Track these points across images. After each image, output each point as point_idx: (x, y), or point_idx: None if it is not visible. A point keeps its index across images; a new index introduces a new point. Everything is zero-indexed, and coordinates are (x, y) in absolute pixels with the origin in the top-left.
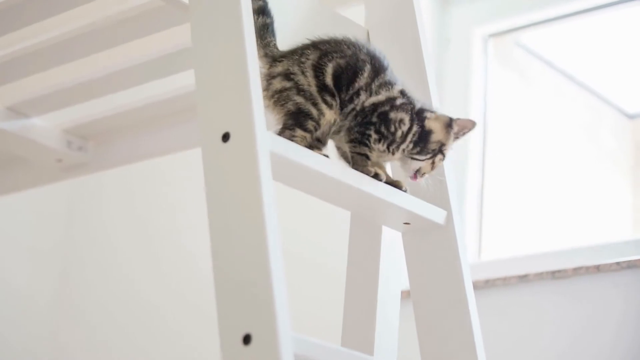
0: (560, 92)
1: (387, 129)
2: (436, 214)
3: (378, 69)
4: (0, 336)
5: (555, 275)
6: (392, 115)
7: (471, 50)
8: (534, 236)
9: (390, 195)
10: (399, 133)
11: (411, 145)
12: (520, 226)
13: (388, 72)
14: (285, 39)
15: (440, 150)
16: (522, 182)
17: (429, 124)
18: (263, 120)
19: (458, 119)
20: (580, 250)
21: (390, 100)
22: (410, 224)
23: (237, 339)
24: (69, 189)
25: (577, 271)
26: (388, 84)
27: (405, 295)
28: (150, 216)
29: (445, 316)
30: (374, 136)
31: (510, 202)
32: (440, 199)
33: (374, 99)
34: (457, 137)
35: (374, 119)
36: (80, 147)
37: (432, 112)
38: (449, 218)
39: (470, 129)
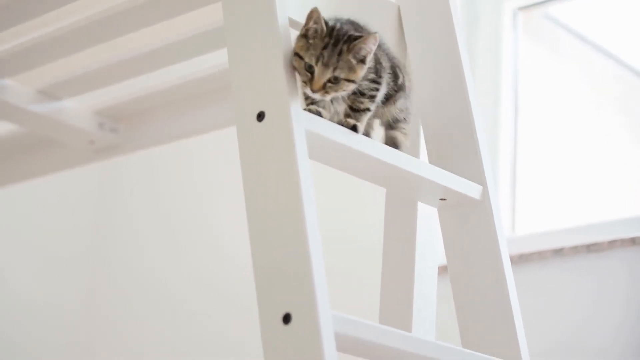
0: (591, 64)
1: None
2: (472, 189)
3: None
4: (29, 324)
5: (591, 248)
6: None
7: (501, 24)
8: (568, 209)
9: (425, 171)
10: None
11: None
12: (554, 199)
13: None
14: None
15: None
16: (554, 155)
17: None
18: (297, 99)
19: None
20: (616, 223)
21: None
22: (446, 200)
23: (277, 319)
24: (97, 176)
25: (613, 244)
26: None
27: (442, 270)
28: (180, 200)
29: (483, 291)
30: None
31: (544, 175)
32: (476, 173)
33: None
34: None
35: None
36: (113, 128)
37: None
38: (485, 193)
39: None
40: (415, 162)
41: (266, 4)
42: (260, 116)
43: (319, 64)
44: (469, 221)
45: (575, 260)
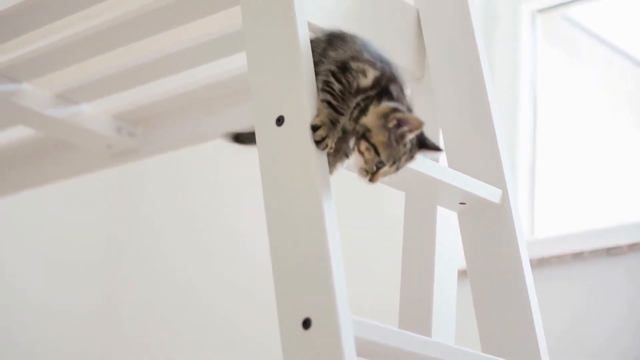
0: (609, 66)
1: (345, 77)
2: (492, 193)
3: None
4: (44, 329)
5: (610, 252)
6: (353, 64)
7: (519, 26)
8: (588, 212)
9: (445, 175)
10: (355, 84)
11: (355, 112)
12: (573, 202)
13: (357, 42)
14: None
15: (364, 135)
16: (573, 158)
17: (372, 106)
18: (315, 104)
19: (402, 114)
20: (636, 226)
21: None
22: (465, 204)
23: (296, 324)
24: (114, 178)
25: (633, 247)
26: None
27: (462, 274)
28: (198, 203)
29: (503, 295)
30: (336, 85)
31: (563, 178)
32: (495, 177)
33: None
34: (395, 136)
35: (333, 67)
36: (131, 132)
37: (396, 97)
38: (505, 197)
39: (411, 131)
40: (435, 166)
41: (285, 8)
42: (280, 120)
43: (392, 167)
44: (488, 225)
45: (596, 264)
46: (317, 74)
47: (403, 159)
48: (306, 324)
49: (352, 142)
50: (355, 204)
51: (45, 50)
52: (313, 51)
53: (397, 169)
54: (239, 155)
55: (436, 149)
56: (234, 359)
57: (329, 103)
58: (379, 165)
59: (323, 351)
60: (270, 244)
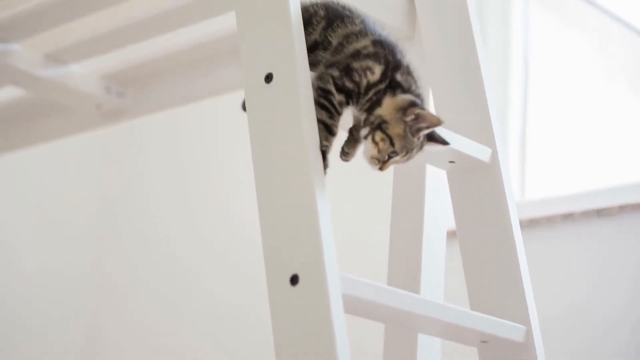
0: (602, 31)
1: (351, 79)
2: (481, 152)
3: (332, 17)
4: (34, 292)
5: (601, 213)
6: (356, 64)
7: None
8: (578, 174)
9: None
10: (364, 82)
11: (367, 105)
12: (564, 164)
13: (356, 21)
14: None
15: (379, 126)
16: (565, 120)
17: (386, 98)
18: (306, 61)
19: (421, 110)
20: (626, 188)
21: (357, 52)
22: (455, 163)
23: (284, 280)
24: (105, 140)
25: (623, 209)
26: (355, 34)
27: (451, 234)
28: (190, 164)
29: (492, 255)
30: (337, 97)
31: (554, 140)
32: (485, 136)
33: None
34: (411, 129)
35: (336, 73)
36: (120, 93)
37: (408, 85)
38: (494, 156)
39: (429, 127)
40: None
41: None
42: (269, 78)
43: (404, 157)
44: (478, 185)
45: (586, 225)
46: (314, 64)
47: (415, 150)
48: (294, 280)
49: (363, 132)
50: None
51: (34, 11)
52: (311, 23)
53: (408, 159)
54: (230, 115)
55: (444, 142)
56: (222, 323)
57: (324, 124)
58: (392, 155)
59: (310, 307)
60: (258, 201)
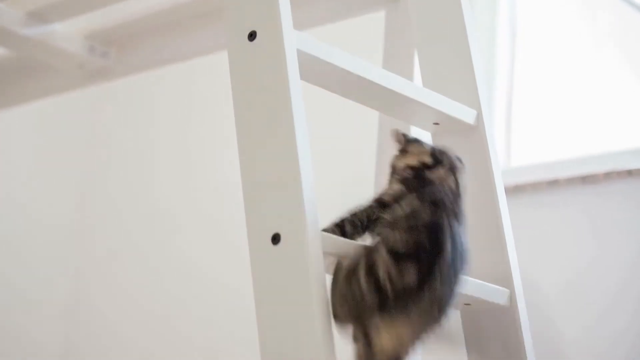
0: None
1: None
2: (466, 114)
3: None
4: (16, 236)
5: (586, 180)
6: None
7: None
8: (564, 141)
9: (419, 94)
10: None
11: None
12: (550, 131)
13: None
14: None
15: None
16: (551, 87)
17: None
18: (290, 18)
19: None
20: (612, 155)
21: None
22: (439, 124)
23: (265, 239)
24: (91, 97)
25: (609, 176)
26: None
27: None
28: (172, 123)
29: (476, 219)
30: None
31: (540, 107)
32: (470, 98)
33: None
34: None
35: None
36: (103, 52)
37: None
38: (479, 118)
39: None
40: (408, 84)
41: None
42: (252, 35)
43: None
44: (462, 147)
45: (571, 192)
46: None
47: None
48: (275, 239)
49: None
50: (328, 122)
51: None
52: None
53: None
54: (213, 75)
55: None
56: (205, 282)
57: None
58: None
59: (291, 266)
60: (240, 160)
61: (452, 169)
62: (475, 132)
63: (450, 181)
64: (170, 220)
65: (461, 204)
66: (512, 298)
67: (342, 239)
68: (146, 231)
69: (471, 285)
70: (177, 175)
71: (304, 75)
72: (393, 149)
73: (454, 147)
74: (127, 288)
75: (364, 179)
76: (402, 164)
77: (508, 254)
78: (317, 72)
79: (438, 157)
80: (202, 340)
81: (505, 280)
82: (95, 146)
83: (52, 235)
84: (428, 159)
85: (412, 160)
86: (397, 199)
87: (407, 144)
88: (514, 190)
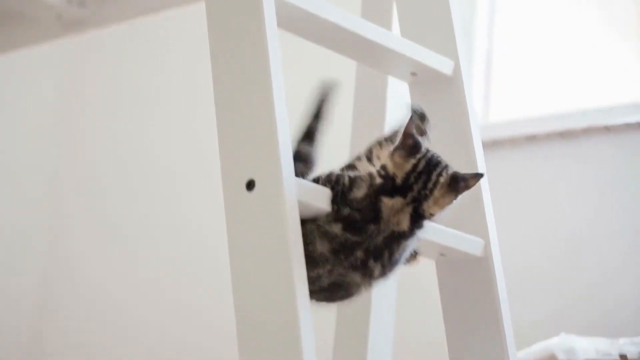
0: None
1: None
2: (444, 64)
3: None
4: None
5: (564, 135)
6: None
7: None
8: (543, 97)
9: (396, 43)
10: None
11: None
12: (529, 87)
13: None
14: None
15: None
16: (530, 42)
17: None
18: None
19: None
20: (590, 111)
21: None
22: (417, 75)
23: (240, 185)
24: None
25: (587, 132)
26: None
27: None
28: (149, 75)
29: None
30: None
31: (519, 62)
32: (448, 49)
33: None
34: None
35: None
36: (81, 2)
37: None
38: (457, 69)
39: None
40: (386, 34)
41: None
42: None
43: None
44: (440, 98)
45: (549, 147)
46: None
47: None
48: (250, 185)
49: None
50: (305, 72)
51: None
52: None
53: None
54: (189, 25)
55: None
56: (187, 239)
57: None
58: None
59: (266, 213)
60: (215, 103)
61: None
62: (453, 83)
63: (403, 220)
64: (150, 172)
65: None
66: (486, 249)
67: (317, 186)
68: (127, 186)
69: (446, 235)
70: (159, 127)
71: (281, 23)
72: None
73: (431, 97)
74: (122, 251)
75: (339, 128)
76: (385, 160)
77: (484, 205)
78: (295, 19)
79: (410, 183)
80: (192, 301)
81: (481, 230)
82: (76, 100)
83: (31, 190)
84: (399, 179)
85: (392, 168)
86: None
87: (409, 147)
88: (492, 146)
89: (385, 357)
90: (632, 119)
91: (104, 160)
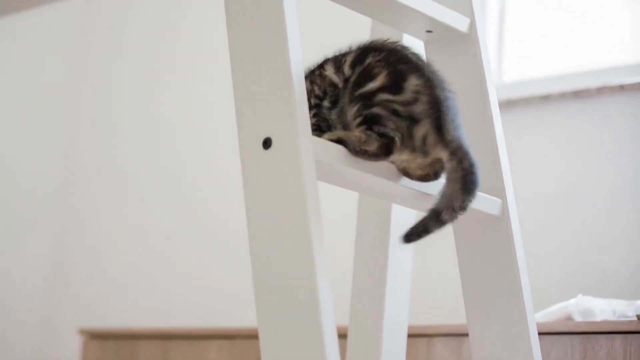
0: None
1: None
2: (459, 21)
3: None
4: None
5: (578, 95)
6: None
7: None
8: (556, 56)
9: (412, 0)
10: None
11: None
12: (542, 47)
13: None
14: None
15: None
16: (544, 2)
17: None
18: None
19: None
20: (604, 71)
21: None
22: (432, 32)
23: (257, 143)
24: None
25: (601, 91)
26: None
27: None
28: (158, 39)
29: (469, 128)
30: None
31: (533, 22)
32: (463, 6)
33: None
34: None
35: None
36: None
37: None
38: (472, 26)
39: None
40: None
41: None
42: None
43: None
44: (455, 56)
45: (563, 106)
46: None
47: None
48: (266, 143)
49: None
50: (319, 31)
51: None
52: None
53: None
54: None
55: None
56: (205, 198)
57: None
58: None
59: (283, 171)
60: (231, 63)
61: None
62: (468, 41)
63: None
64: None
65: None
66: (504, 208)
67: (334, 144)
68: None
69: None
70: (169, 87)
71: None
72: None
73: (446, 55)
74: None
75: None
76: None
77: (501, 164)
78: None
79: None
80: (210, 260)
81: (498, 190)
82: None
83: (45, 149)
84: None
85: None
86: None
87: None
88: (506, 105)
89: (403, 316)
90: None
91: (118, 116)
